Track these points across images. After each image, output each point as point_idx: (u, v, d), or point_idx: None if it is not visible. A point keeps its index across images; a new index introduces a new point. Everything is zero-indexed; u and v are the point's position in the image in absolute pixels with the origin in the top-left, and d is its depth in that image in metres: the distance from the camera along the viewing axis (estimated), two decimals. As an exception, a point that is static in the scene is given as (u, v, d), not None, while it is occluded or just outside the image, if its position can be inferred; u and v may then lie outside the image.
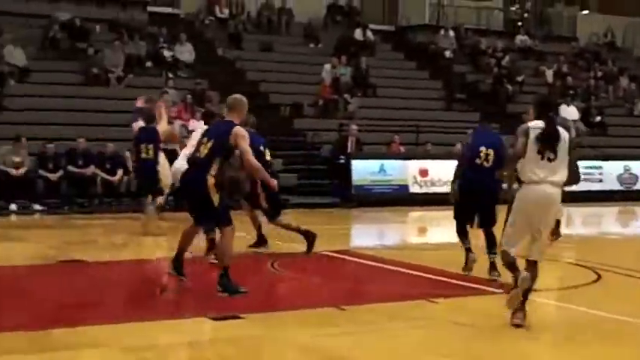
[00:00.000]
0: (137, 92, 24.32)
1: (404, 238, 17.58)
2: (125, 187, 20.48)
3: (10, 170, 19.47)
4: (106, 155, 20.63)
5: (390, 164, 23.51)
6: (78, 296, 10.15)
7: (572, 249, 15.19)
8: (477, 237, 11.87)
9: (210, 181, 10.03)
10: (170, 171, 15.38)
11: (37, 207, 19.49)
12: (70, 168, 20.06)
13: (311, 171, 24.59)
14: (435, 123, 27.30)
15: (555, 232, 9.23)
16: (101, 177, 20.30)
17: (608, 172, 26.52)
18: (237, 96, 10.85)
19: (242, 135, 10.15)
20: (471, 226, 11.91)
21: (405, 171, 23.57)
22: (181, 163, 12.47)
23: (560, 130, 8.99)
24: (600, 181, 26.14)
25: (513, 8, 37.40)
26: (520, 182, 9.12)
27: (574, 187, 9.37)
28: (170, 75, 25.75)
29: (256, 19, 31.50)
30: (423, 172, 23.64)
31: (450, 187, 12.13)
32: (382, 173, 23.24)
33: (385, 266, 12.70)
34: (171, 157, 16.10)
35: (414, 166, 23.76)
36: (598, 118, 30.63)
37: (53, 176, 20.01)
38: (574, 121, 28.02)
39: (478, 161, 11.68)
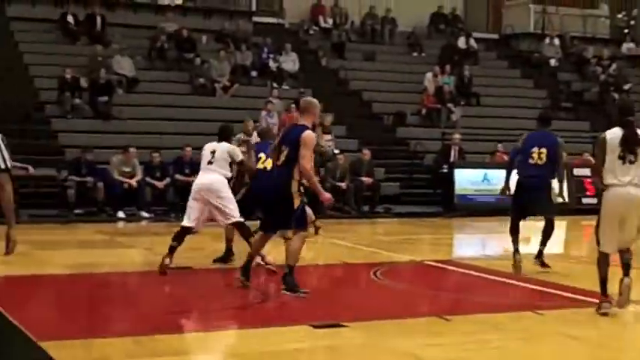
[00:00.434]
0: (242, 102, 24.77)
1: (507, 248, 17.39)
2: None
3: (125, 181, 19.86)
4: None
5: (494, 173, 23.26)
6: (184, 303, 10.31)
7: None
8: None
9: (294, 186, 10.21)
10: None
11: (145, 214, 19.84)
12: (177, 176, 20.34)
13: (413, 180, 24.56)
14: (540, 132, 26.95)
15: None
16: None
17: None
18: (309, 98, 11.17)
19: (307, 141, 10.23)
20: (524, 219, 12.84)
21: (510, 180, 23.27)
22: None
23: None
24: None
25: (620, 15, 36.73)
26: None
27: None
28: (275, 85, 26.01)
29: (360, 28, 31.62)
30: (527, 181, 23.33)
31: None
32: (485, 182, 23.06)
33: (488, 276, 12.61)
34: None
35: (518, 175, 23.47)
36: None
37: (160, 184, 20.36)
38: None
39: (531, 160, 12.54)
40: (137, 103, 24.25)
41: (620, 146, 9.20)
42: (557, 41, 32.65)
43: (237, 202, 12.19)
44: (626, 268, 9.46)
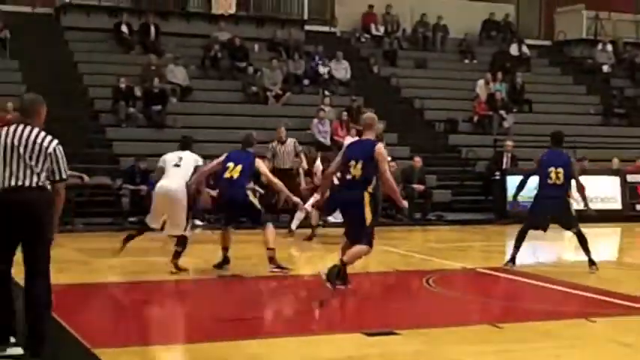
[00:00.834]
0: (294, 110, 24.90)
1: (559, 255, 17.33)
2: (282, 203, 20.75)
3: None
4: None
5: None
6: (236, 310, 10.38)
7: None
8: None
9: (367, 198, 10.52)
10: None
11: (198, 222, 19.99)
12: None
13: (465, 187, 24.52)
14: (593, 138, 26.84)
15: None
16: (259, 193, 20.63)
17: None
18: (371, 114, 11.87)
19: (383, 153, 10.91)
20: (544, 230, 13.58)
21: (562, 187, 23.15)
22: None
23: None
24: None
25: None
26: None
27: None
28: (327, 92, 26.10)
29: (411, 35, 31.63)
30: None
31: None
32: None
33: (540, 284, 12.56)
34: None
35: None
36: None
37: (212, 192, 20.48)
38: None
39: (550, 181, 13.27)
40: (190, 111, 24.45)
41: None
42: (609, 47, 32.44)
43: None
44: None
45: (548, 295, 11.99)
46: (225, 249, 13.07)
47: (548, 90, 30.55)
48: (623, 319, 10.13)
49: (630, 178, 23.53)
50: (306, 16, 29.98)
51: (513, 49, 31.18)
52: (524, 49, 31.43)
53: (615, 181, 23.63)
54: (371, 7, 31.31)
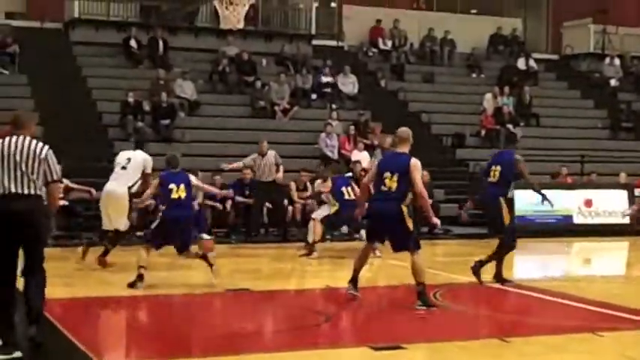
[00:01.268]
0: (302, 124, 24.94)
1: (567, 270, 17.32)
2: (291, 217, 20.78)
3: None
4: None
5: (554, 194, 23.14)
6: (243, 324, 10.41)
7: None
8: None
9: (404, 210, 10.99)
10: None
11: (206, 236, 19.98)
12: (238, 198, 20.46)
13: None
14: (600, 152, 26.86)
15: None
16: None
17: None
18: (406, 129, 11.74)
19: (418, 168, 11.18)
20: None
21: (570, 201, 23.20)
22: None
23: None
24: None
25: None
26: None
27: None
28: (334, 106, 26.14)
29: (419, 50, 31.70)
30: (588, 203, 23.24)
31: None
32: (545, 203, 22.89)
33: (548, 298, 12.55)
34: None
35: (578, 196, 23.37)
36: None
37: (220, 206, 20.53)
38: None
39: (490, 178, 13.52)
40: (199, 126, 24.52)
41: None
42: (617, 61, 32.47)
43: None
44: None
45: (556, 309, 11.98)
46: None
47: (556, 104, 30.57)
48: (631, 333, 10.11)
49: (638, 192, 23.50)
50: (313, 31, 30.11)
51: (521, 64, 31.21)
52: (532, 63, 31.47)
53: (623, 195, 23.62)
54: (378, 21, 31.42)
